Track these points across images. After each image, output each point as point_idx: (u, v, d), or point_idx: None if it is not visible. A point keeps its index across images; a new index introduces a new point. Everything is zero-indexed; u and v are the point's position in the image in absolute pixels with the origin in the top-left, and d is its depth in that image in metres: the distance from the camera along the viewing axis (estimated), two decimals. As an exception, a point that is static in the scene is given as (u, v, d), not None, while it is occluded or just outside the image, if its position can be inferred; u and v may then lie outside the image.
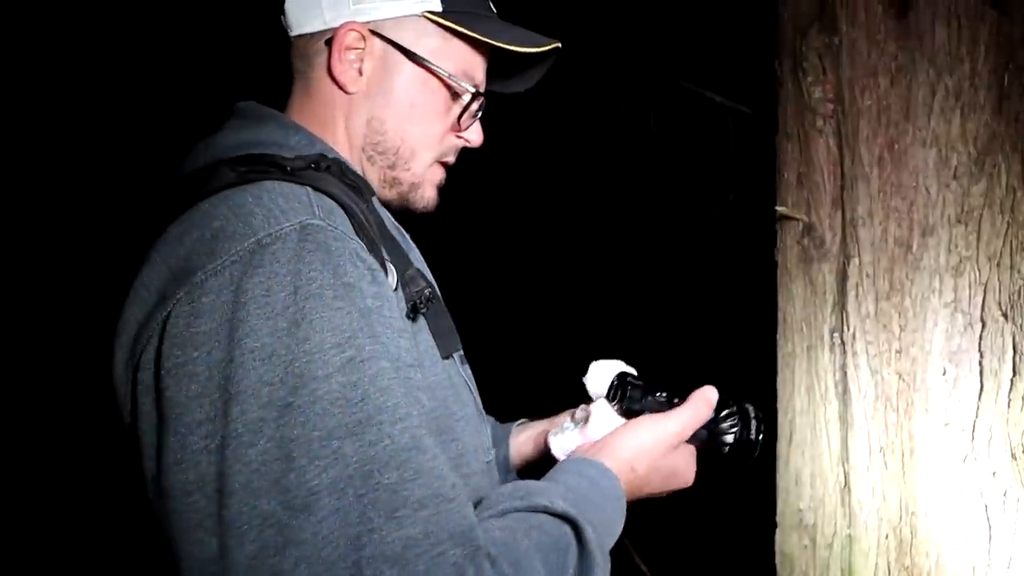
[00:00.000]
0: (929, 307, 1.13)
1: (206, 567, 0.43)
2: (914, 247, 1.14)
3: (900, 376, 1.14)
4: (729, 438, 0.61)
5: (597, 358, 0.72)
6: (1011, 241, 1.10)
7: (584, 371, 0.70)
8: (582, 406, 0.70)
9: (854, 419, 1.18)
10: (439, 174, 0.69)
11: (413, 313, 0.58)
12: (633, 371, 0.67)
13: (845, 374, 1.20)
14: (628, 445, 0.59)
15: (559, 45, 0.65)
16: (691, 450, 0.64)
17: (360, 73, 0.64)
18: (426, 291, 0.59)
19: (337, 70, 0.63)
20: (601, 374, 0.68)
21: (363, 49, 0.63)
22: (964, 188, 1.12)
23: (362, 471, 0.43)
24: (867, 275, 1.18)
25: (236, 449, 0.43)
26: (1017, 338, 1.09)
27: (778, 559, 1.33)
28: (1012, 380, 1.08)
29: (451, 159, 0.69)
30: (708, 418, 0.60)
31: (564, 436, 0.63)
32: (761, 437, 0.62)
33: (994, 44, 1.10)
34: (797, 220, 1.30)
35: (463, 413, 0.62)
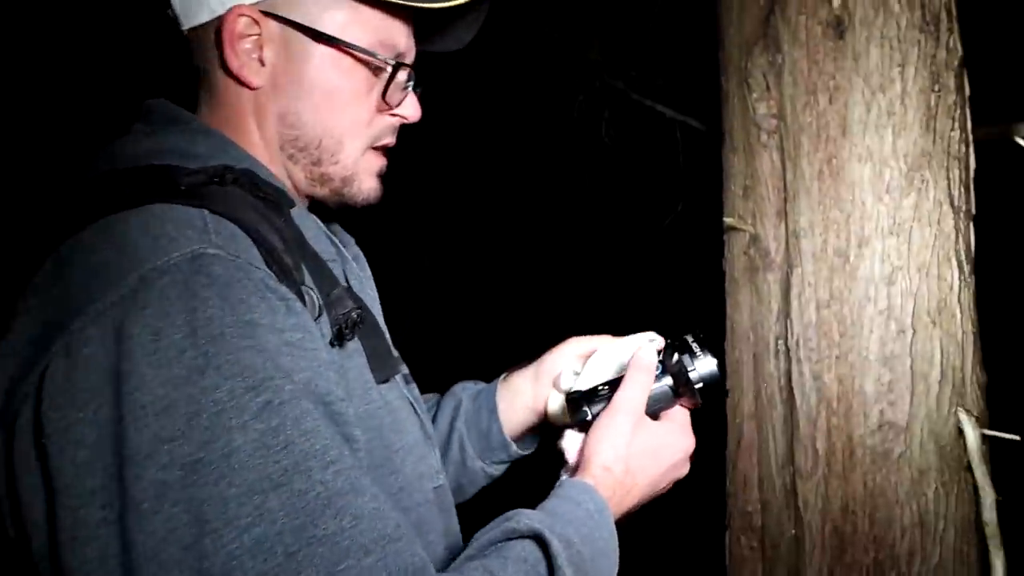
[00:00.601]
0: (865, 315, 1.18)
1: None
2: (851, 257, 1.20)
3: (840, 381, 1.19)
4: (693, 376, 0.55)
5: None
6: (938, 252, 1.17)
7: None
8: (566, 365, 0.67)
9: (799, 423, 1.23)
10: (376, 162, 0.60)
11: (338, 340, 0.52)
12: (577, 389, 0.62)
13: (790, 379, 1.24)
14: (590, 454, 0.56)
15: (459, 3, 0.57)
16: (671, 422, 0.58)
17: (262, 63, 0.55)
18: (353, 314, 0.53)
19: (233, 64, 0.55)
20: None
21: (259, 35, 0.55)
22: (896, 201, 1.18)
23: (292, 525, 0.38)
24: (809, 284, 1.23)
25: (138, 518, 0.38)
26: (944, 343, 1.16)
27: (728, 561, 1.37)
28: (940, 383, 1.15)
29: (389, 140, 0.60)
30: (651, 376, 0.54)
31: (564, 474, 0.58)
32: (713, 359, 0.55)
33: (923, 66, 1.17)
34: (743, 231, 1.34)
35: (403, 442, 0.57)
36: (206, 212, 0.47)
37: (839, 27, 1.21)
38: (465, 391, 0.79)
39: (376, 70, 0.57)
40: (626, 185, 2.76)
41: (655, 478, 0.56)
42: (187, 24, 0.57)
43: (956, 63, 1.19)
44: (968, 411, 1.14)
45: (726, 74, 1.41)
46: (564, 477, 0.58)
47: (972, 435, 1.12)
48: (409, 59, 0.59)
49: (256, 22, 0.54)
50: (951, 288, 1.16)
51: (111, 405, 0.40)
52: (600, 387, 0.58)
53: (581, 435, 0.58)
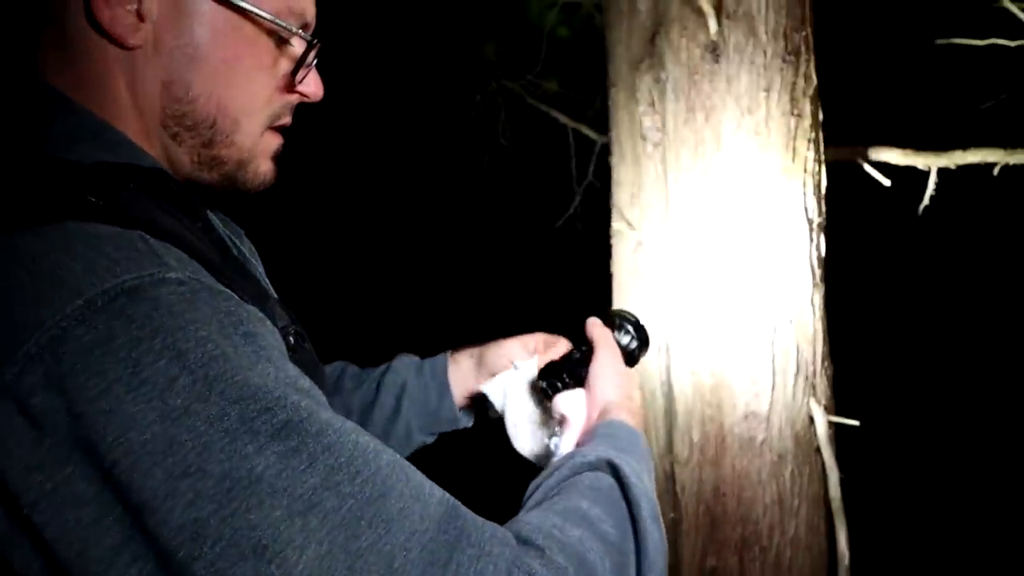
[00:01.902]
0: (735, 314, 1.30)
1: None
2: (723, 262, 1.32)
3: (713, 375, 1.30)
4: (633, 345, 0.68)
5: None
6: (795, 258, 1.31)
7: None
8: (517, 349, 0.72)
9: (677, 414, 1.33)
10: (274, 142, 0.53)
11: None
12: (536, 372, 0.67)
13: (670, 375, 1.34)
14: (603, 401, 0.59)
15: None
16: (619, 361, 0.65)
17: (140, 18, 0.45)
18: (291, 330, 0.49)
19: (104, 15, 0.44)
20: (505, 384, 0.69)
21: None
22: (761, 212, 1.31)
23: (338, 540, 0.34)
24: (687, 286, 1.33)
25: (182, 567, 0.33)
26: (799, 340, 1.30)
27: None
28: (795, 376, 1.29)
29: (287, 120, 0.53)
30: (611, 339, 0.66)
31: (563, 448, 0.59)
32: (638, 329, 0.68)
33: (785, 92, 1.31)
34: (630, 235, 1.43)
35: None
36: (142, 234, 0.39)
37: (715, 51, 1.31)
38: (407, 368, 0.81)
39: (280, 41, 0.50)
40: (521, 186, 2.83)
41: (637, 400, 0.62)
42: None
43: (812, 91, 1.33)
44: (818, 400, 1.29)
45: (615, 87, 1.49)
46: (585, 430, 0.59)
47: (821, 422, 1.27)
48: (312, 31, 0.52)
49: None
50: (805, 291, 1.31)
51: (95, 452, 0.33)
52: (573, 352, 0.66)
53: (576, 393, 0.62)
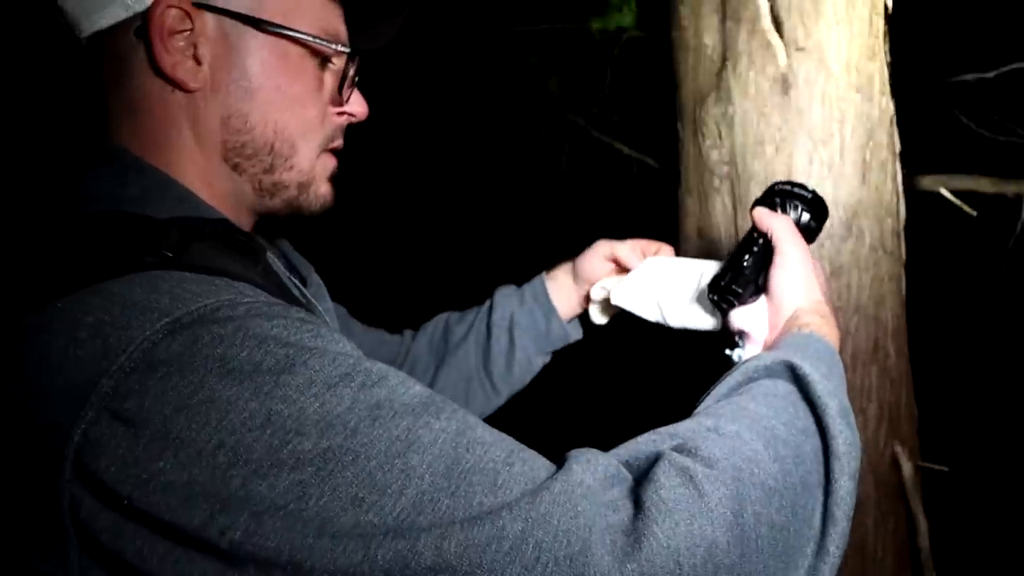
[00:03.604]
0: (809, 351, 1.26)
1: None
2: (796, 297, 1.28)
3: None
4: (812, 224, 0.57)
5: None
6: (873, 295, 1.26)
7: None
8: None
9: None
10: (331, 164, 0.56)
11: None
12: (707, 283, 0.58)
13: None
14: (797, 301, 0.53)
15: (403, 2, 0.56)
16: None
17: (198, 62, 0.49)
18: None
19: (166, 63, 0.48)
20: (632, 284, 0.61)
21: (192, 31, 0.48)
22: (836, 246, 1.27)
23: (439, 470, 0.37)
24: (758, 322, 1.31)
25: (285, 523, 0.36)
26: (880, 380, 1.24)
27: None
28: (877, 418, 1.23)
29: (339, 142, 0.56)
30: (793, 227, 0.55)
31: (746, 354, 0.53)
32: (811, 195, 0.56)
33: (859, 123, 1.27)
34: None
35: None
36: (222, 277, 0.43)
37: (785, 84, 1.30)
38: (510, 301, 0.88)
39: (324, 62, 0.53)
40: (584, 217, 2.84)
41: (826, 304, 0.54)
42: (90, 28, 0.49)
43: (888, 121, 1.30)
44: (903, 443, 1.22)
45: (682, 120, 1.49)
46: (774, 332, 0.53)
47: (907, 466, 1.20)
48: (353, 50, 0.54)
49: (188, 15, 0.48)
50: (886, 328, 1.25)
51: (194, 441, 0.37)
52: (743, 264, 0.56)
53: (755, 308, 0.55)
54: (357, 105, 0.56)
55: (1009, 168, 1.43)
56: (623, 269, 0.86)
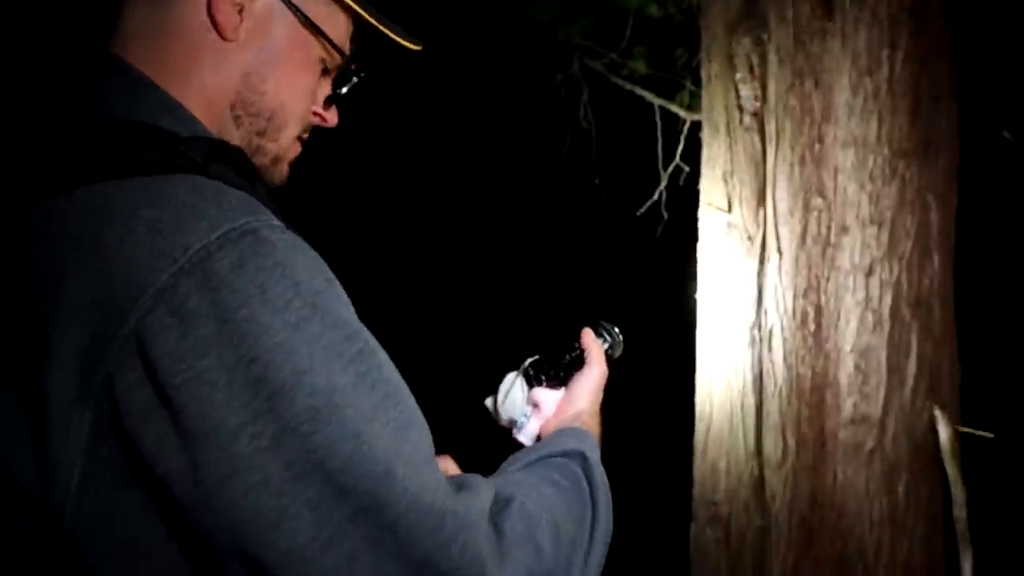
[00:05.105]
0: (843, 305, 1.15)
1: (304, 549, 0.43)
2: (830, 246, 1.17)
3: (814, 371, 1.16)
4: (618, 352, 0.76)
5: (517, 355, 0.78)
6: (919, 243, 1.14)
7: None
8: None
9: (769, 412, 1.20)
10: (297, 150, 0.63)
11: None
12: (531, 359, 0.75)
13: (762, 369, 1.21)
14: (581, 406, 0.68)
15: (420, 48, 0.64)
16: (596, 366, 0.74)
17: (241, 20, 0.56)
18: None
19: (219, 6, 0.55)
20: (509, 388, 0.76)
21: None
22: (879, 189, 1.15)
23: (398, 425, 0.47)
24: (786, 272, 1.20)
25: (299, 440, 0.44)
26: (920, 336, 1.13)
27: (692, 552, 1.34)
28: (915, 377, 1.13)
29: (306, 136, 0.64)
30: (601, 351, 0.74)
31: (528, 427, 0.71)
32: (620, 336, 0.75)
33: (911, 51, 1.14)
34: (720, 216, 1.30)
35: None
36: (247, 195, 0.50)
37: (828, 6, 1.16)
38: None
39: (325, 68, 0.61)
40: (605, 168, 2.72)
41: (597, 417, 0.72)
42: None
43: (945, 48, 1.16)
44: (943, 406, 1.12)
45: (709, 55, 1.36)
46: (548, 425, 0.70)
47: (945, 431, 1.10)
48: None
49: None
50: (930, 281, 1.14)
51: (235, 349, 0.43)
52: (564, 355, 0.74)
53: (552, 391, 0.71)
54: (333, 116, 0.64)
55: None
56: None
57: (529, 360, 0.73)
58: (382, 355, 0.48)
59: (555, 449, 0.61)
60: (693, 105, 2.28)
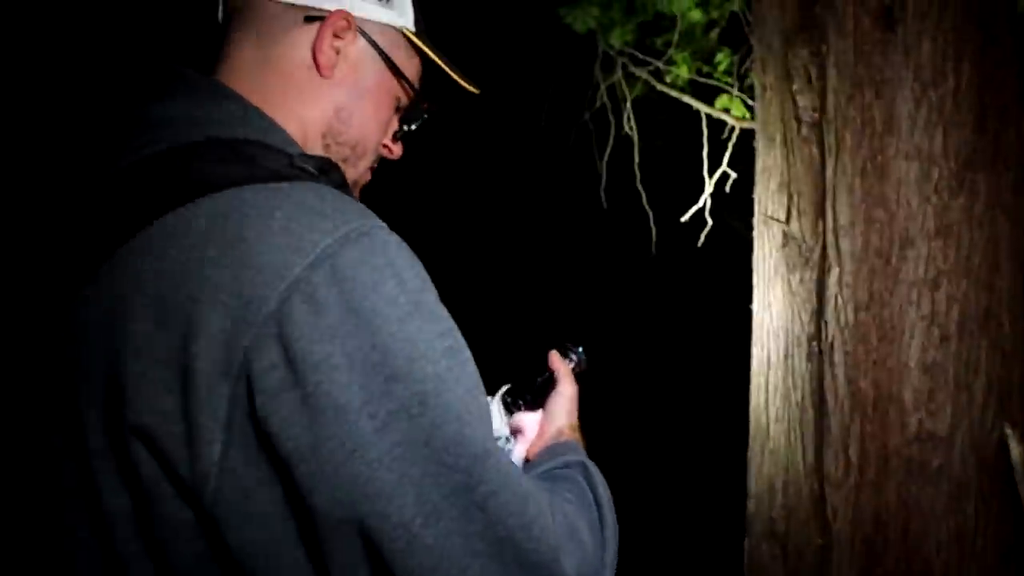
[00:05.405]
0: (907, 319, 1.13)
1: (409, 524, 0.47)
2: (893, 259, 1.15)
3: (876, 387, 1.14)
4: (582, 368, 0.80)
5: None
6: (987, 257, 1.12)
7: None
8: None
9: (830, 428, 1.18)
10: (368, 178, 0.70)
11: None
12: (504, 387, 0.79)
13: (822, 383, 1.20)
14: (561, 422, 0.73)
15: (479, 92, 0.72)
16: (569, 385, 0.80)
17: (337, 60, 0.64)
18: None
19: (320, 48, 0.63)
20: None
21: (344, 41, 0.64)
22: (944, 202, 1.13)
23: (486, 413, 0.53)
24: (847, 285, 1.18)
25: (409, 421, 0.48)
26: (989, 352, 1.11)
27: (747, 568, 1.33)
28: (984, 394, 1.10)
29: (375, 166, 0.72)
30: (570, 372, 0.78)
31: (515, 453, 0.74)
32: (584, 355, 0.80)
33: (977, 62, 1.12)
34: (776, 228, 1.29)
35: None
36: (357, 200, 0.56)
37: (889, 18, 1.15)
38: None
39: (399, 108, 0.68)
40: (651, 176, 2.70)
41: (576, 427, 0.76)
42: (317, 5, 0.64)
43: (1012, 60, 1.13)
44: (1013, 424, 1.09)
45: (764, 65, 1.35)
46: (534, 447, 0.73)
47: (1016, 449, 1.07)
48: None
49: (350, 29, 0.64)
50: (1000, 295, 1.11)
51: (358, 336, 0.49)
52: (535, 378, 0.77)
53: (531, 414, 0.75)
54: (399, 149, 0.71)
55: None
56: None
57: (504, 388, 0.77)
58: (467, 352, 0.53)
59: (557, 463, 0.66)
60: (736, 110, 2.27)
